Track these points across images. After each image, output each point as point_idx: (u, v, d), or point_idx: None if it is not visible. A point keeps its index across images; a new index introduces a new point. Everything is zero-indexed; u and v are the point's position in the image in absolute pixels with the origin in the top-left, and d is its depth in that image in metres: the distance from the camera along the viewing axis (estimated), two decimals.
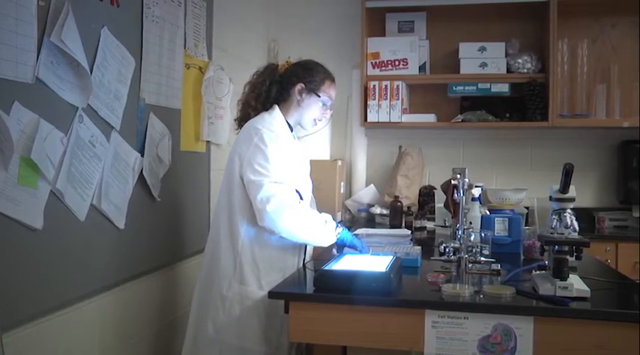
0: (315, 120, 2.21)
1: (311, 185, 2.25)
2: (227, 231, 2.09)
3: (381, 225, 3.37)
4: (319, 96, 2.17)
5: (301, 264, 2.16)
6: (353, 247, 2.15)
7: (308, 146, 3.39)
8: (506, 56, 3.55)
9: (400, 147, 3.79)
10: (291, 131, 2.23)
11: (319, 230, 2.06)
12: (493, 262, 2.04)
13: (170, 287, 2.58)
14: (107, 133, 2.03)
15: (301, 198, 2.09)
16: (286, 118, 2.18)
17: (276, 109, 2.17)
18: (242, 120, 2.21)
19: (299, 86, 2.16)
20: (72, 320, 1.89)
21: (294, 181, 2.07)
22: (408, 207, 3.35)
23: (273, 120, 2.11)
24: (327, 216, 2.10)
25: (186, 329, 2.19)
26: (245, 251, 2.06)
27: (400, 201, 3.37)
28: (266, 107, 2.18)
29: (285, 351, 2.08)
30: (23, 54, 1.62)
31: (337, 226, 2.11)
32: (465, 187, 2.09)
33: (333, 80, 2.24)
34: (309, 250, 2.26)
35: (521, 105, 3.52)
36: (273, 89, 2.18)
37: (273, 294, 1.81)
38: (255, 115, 2.16)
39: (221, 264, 2.08)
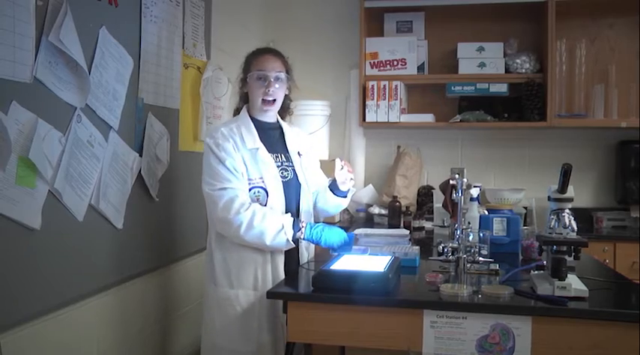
0: (261, 99, 2.14)
1: (280, 180, 2.14)
2: (208, 236, 2.18)
3: (380, 225, 3.38)
4: (247, 79, 2.17)
5: (280, 264, 2.11)
6: (328, 247, 2.10)
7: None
8: (504, 56, 3.56)
9: (398, 147, 3.80)
10: (274, 125, 2.23)
11: (270, 236, 1.99)
12: (491, 262, 2.04)
13: (168, 287, 2.58)
14: (105, 133, 2.03)
15: (267, 195, 2.07)
16: (253, 114, 2.19)
17: (242, 111, 2.21)
18: None
19: (239, 83, 2.23)
20: (70, 321, 1.89)
21: (254, 180, 2.07)
22: (407, 207, 3.36)
23: (220, 128, 2.12)
24: (286, 220, 2.02)
25: None
26: (216, 253, 2.11)
27: (398, 201, 3.37)
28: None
29: (268, 350, 2.08)
30: (21, 53, 1.61)
31: (298, 230, 2.04)
32: (464, 187, 2.08)
33: (256, 54, 2.19)
34: (304, 248, 2.24)
35: (520, 105, 3.53)
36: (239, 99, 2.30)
37: (271, 294, 1.81)
38: None
39: (205, 267, 2.18)
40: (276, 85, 2.13)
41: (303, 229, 2.06)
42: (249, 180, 2.08)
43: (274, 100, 2.15)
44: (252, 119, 2.18)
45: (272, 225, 1.99)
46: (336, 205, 2.36)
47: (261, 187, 2.08)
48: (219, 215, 2.01)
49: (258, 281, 2.07)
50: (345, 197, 2.33)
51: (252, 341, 2.05)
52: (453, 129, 3.76)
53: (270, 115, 2.22)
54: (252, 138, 2.13)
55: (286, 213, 2.12)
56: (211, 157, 2.07)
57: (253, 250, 2.07)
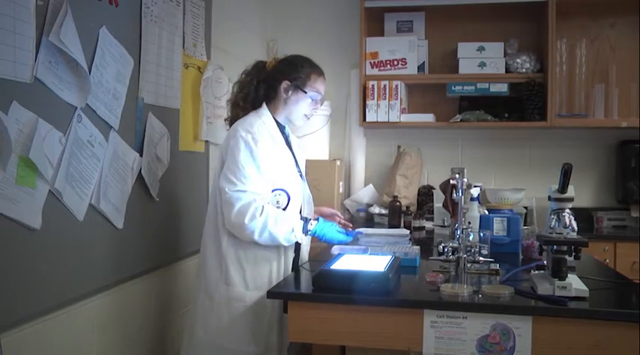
0: (305, 115, 2.17)
1: (301, 183, 2.19)
2: (213, 233, 2.10)
3: (380, 225, 3.38)
4: (306, 93, 2.13)
5: (290, 261, 2.13)
6: (331, 241, 2.13)
7: (306, 146, 3.38)
8: (504, 56, 3.56)
9: (399, 146, 3.80)
10: (284, 128, 2.22)
11: (282, 238, 2.00)
12: (492, 262, 2.04)
13: (168, 287, 2.58)
14: (106, 133, 2.03)
15: (289, 197, 2.07)
16: (275, 116, 2.16)
17: (264, 108, 2.14)
18: (232, 120, 2.19)
19: (284, 84, 2.12)
20: (70, 320, 1.89)
21: (278, 182, 2.06)
22: (407, 207, 3.36)
23: (256, 121, 2.07)
24: (296, 224, 2.02)
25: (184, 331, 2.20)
26: (229, 252, 2.05)
27: (399, 201, 3.37)
28: (255, 106, 2.16)
29: (275, 351, 2.07)
30: (22, 53, 1.61)
31: (306, 231, 2.05)
32: (464, 187, 2.08)
33: (320, 73, 2.18)
34: (305, 250, 2.25)
35: (520, 105, 3.53)
36: (260, 88, 2.17)
37: (271, 294, 1.81)
38: (244, 115, 2.14)
39: (208, 266, 2.10)
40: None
41: (311, 228, 2.07)
42: (274, 181, 2.06)
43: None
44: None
45: (283, 229, 1.99)
46: None
47: (283, 190, 2.07)
48: (233, 219, 1.97)
49: (272, 282, 2.04)
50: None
51: (262, 342, 2.04)
52: (454, 129, 3.76)
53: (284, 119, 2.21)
54: (280, 140, 2.13)
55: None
56: (243, 152, 1.98)
57: (268, 251, 2.06)
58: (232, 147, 2.01)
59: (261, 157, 2.00)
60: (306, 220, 2.06)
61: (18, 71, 1.61)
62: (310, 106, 2.16)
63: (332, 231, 2.12)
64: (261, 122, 2.09)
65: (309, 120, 2.27)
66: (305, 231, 2.05)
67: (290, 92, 2.12)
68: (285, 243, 2.04)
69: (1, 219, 1.57)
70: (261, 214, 1.95)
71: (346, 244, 2.19)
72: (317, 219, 2.12)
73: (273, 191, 2.05)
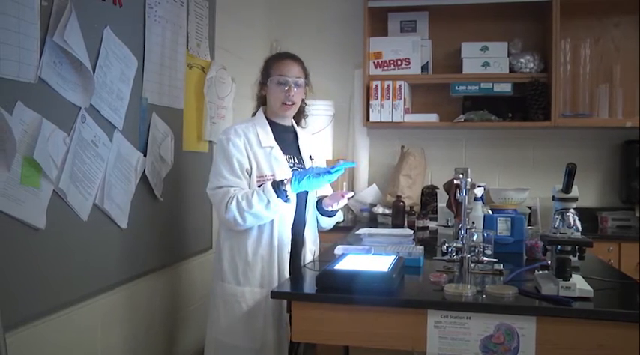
0: (280, 103, 2.19)
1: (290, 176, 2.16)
2: (217, 232, 2.22)
3: (384, 225, 3.38)
4: (268, 80, 2.20)
5: (285, 260, 2.15)
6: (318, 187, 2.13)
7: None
8: (508, 56, 3.55)
9: (402, 146, 3.79)
10: (290, 129, 2.29)
11: (265, 215, 2.03)
12: (495, 262, 2.03)
13: (173, 287, 2.58)
14: (110, 133, 2.04)
15: None
16: (270, 117, 2.24)
17: (258, 113, 2.25)
18: None
19: (258, 86, 2.27)
20: (74, 320, 1.90)
21: (267, 177, 2.10)
22: (411, 207, 3.35)
23: (240, 125, 2.18)
24: (271, 195, 2.00)
25: None
26: (225, 249, 2.14)
27: (402, 201, 3.37)
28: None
29: (272, 349, 2.09)
30: (26, 54, 1.62)
31: (286, 199, 2.04)
32: (468, 187, 2.08)
33: (281, 58, 2.24)
34: (308, 251, 2.26)
35: (524, 104, 3.52)
36: (257, 99, 2.32)
37: (275, 294, 1.81)
38: None
39: (214, 264, 2.21)
40: (295, 90, 2.19)
41: (287, 188, 2.03)
42: (261, 177, 2.11)
43: (293, 104, 2.21)
44: (268, 121, 2.23)
45: (259, 206, 2.01)
46: (322, 220, 2.39)
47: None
48: (218, 215, 2.10)
49: (265, 278, 2.10)
50: (333, 216, 2.37)
51: (257, 338, 2.07)
52: (457, 129, 3.76)
53: (286, 118, 2.27)
54: (267, 136, 2.18)
55: (295, 217, 2.16)
56: (218, 153, 2.13)
57: (259, 247, 2.11)
58: (215, 153, 2.18)
59: (233, 154, 2.09)
60: (277, 186, 2.03)
61: (22, 71, 1.61)
62: (281, 92, 2.17)
63: (311, 182, 2.04)
64: (250, 125, 2.18)
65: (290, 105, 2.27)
66: (283, 197, 2.03)
67: (264, 88, 2.24)
68: (274, 216, 2.08)
69: (6, 218, 1.57)
70: (231, 202, 2.03)
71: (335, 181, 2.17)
72: (291, 179, 2.05)
73: (261, 185, 2.08)
